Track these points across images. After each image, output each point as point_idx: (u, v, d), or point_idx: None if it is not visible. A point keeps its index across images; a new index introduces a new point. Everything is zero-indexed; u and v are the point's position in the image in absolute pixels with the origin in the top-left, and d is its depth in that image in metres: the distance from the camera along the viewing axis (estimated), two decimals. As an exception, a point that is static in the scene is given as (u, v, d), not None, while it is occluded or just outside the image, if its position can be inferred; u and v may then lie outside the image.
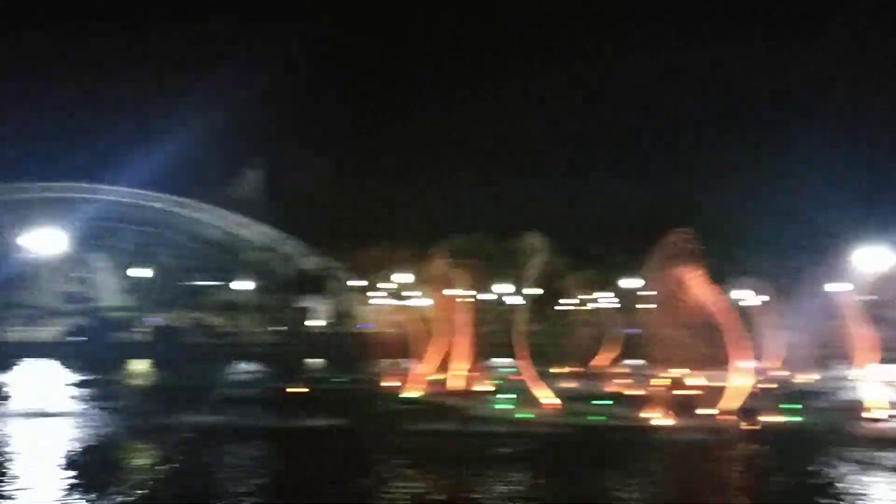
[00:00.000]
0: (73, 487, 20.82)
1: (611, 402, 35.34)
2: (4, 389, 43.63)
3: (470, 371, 43.74)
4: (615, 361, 58.78)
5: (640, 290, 76.49)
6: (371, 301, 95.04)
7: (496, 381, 42.76)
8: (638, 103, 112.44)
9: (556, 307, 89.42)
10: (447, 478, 22.60)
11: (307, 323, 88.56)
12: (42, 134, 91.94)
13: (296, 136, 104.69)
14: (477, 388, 41.30)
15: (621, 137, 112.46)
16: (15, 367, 54.94)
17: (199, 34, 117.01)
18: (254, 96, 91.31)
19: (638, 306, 73.46)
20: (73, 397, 41.38)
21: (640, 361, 52.00)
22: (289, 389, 42.05)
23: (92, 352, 65.24)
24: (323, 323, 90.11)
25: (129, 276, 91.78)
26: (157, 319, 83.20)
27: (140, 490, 20.74)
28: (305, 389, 42.28)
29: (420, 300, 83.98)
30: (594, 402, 35.21)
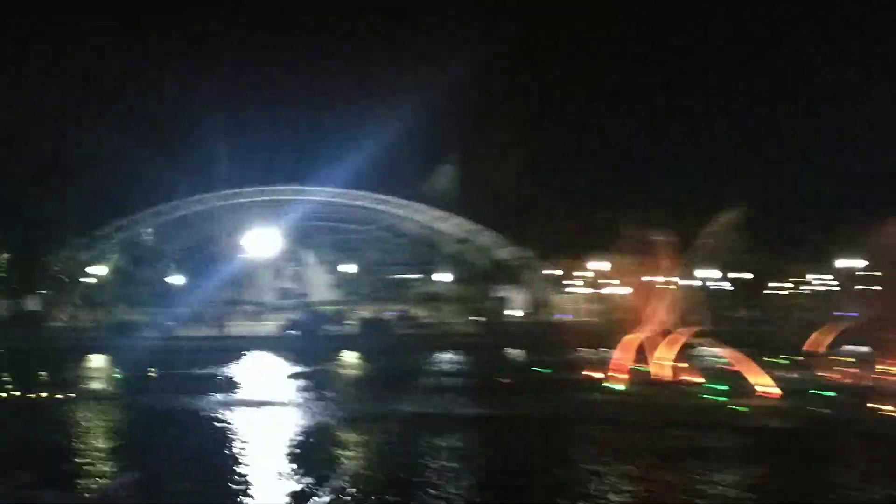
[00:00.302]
0: (295, 471, 22.10)
1: (833, 392, 32.84)
2: (232, 380, 47.12)
3: (675, 360, 42.20)
4: (831, 348, 54.66)
5: (861, 271, 70.73)
6: (567, 290, 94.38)
7: (704, 370, 40.92)
8: (851, 69, 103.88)
9: (767, 291, 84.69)
10: (657, 472, 21.85)
11: (506, 313, 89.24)
12: (254, 140, 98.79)
13: (487, 128, 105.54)
14: (684, 377, 39.72)
15: (839, 106, 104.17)
16: (240, 360, 59.09)
17: (396, 34, 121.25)
18: (446, 92, 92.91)
19: (858, 288, 68.01)
20: (292, 387, 44.03)
21: (864, 348, 48.05)
22: (493, 379, 42.50)
23: (306, 344, 68.93)
24: (521, 313, 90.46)
25: (337, 272, 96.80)
26: (364, 312, 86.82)
27: (357, 475, 21.66)
28: (508, 380, 42.58)
29: (617, 288, 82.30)
30: (814, 392, 32.86)
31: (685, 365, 41.81)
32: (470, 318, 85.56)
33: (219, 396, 38.54)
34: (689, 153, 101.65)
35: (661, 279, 61.15)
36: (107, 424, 32.40)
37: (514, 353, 64.73)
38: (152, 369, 47.51)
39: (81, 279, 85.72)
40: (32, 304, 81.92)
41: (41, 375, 46.11)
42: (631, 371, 40.87)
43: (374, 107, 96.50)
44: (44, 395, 38.24)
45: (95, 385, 47.04)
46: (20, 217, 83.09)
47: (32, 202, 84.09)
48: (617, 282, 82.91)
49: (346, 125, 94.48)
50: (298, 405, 36.39)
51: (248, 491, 20.23)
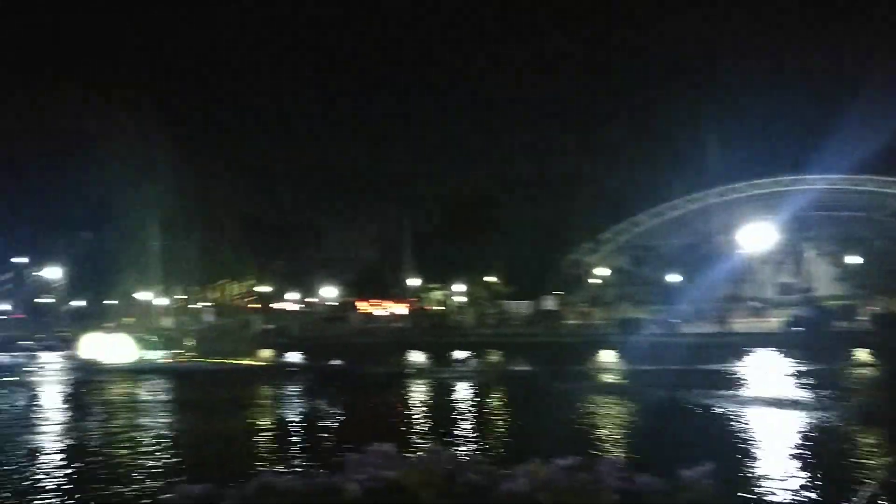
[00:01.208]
0: (819, 475, 22.18)
1: None
2: (741, 377, 47.79)
3: None
4: None
5: None
6: None
7: None
8: None
9: None
10: None
11: None
12: (750, 132, 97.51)
13: None
14: None
15: None
16: (745, 357, 59.24)
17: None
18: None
19: None
20: (803, 386, 43.09)
21: None
22: None
23: (813, 341, 66.19)
24: None
25: (841, 264, 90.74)
26: (876, 307, 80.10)
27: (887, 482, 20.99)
28: None
29: None
30: None
31: None
32: None
33: (730, 392, 39.47)
34: None
35: None
36: (631, 416, 35.44)
37: None
38: (662, 364, 49.99)
39: (589, 280, 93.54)
40: (549, 303, 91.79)
41: (563, 366, 51.64)
42: None
43: (878, 81, 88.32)
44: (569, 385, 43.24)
45: (610, 377, 51.59)
46: (531, 224, 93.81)
47: (543, 210, 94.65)
48: None
49: (853, 104, 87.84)
50: (814, 406, 35.69)
51: (777, 494, 20.94)
